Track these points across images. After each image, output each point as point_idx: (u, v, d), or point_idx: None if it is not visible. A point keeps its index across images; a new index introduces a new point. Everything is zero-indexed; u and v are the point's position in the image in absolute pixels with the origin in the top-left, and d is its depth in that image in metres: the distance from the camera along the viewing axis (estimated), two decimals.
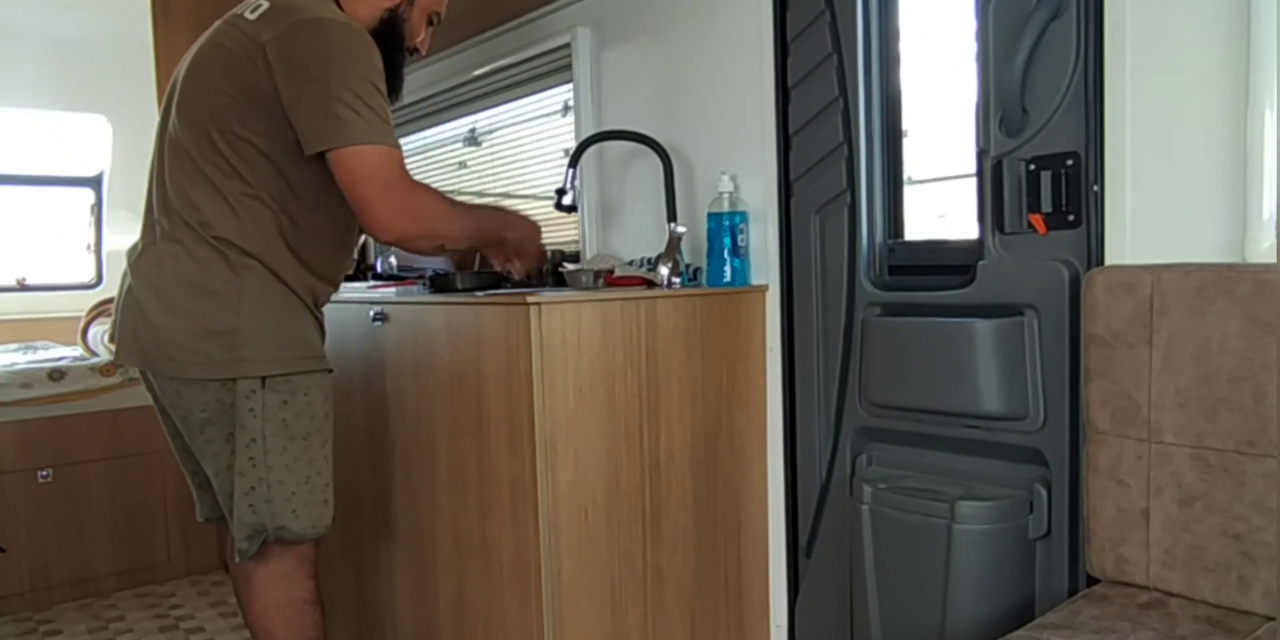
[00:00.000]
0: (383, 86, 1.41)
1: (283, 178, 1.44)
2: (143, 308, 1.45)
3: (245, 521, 1.47)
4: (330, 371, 1.55)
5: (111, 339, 1.57)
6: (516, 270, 1.65)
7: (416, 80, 2.82)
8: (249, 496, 1.46)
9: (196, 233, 1.43)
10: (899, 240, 1.62)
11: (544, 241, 1.71)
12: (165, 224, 1.47)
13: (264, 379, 1.45)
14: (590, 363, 1.50)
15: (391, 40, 1.55)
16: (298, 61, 1.36)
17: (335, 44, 1.37)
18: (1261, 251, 1.12)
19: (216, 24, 1.49)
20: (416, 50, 1.64)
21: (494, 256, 1.66)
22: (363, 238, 2.88)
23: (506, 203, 2.62)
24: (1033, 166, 1.34)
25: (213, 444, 1.47)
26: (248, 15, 1.43)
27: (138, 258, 1.50)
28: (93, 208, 3.58)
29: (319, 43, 1.37)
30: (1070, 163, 1.30)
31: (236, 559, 1.49)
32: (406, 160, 3.08)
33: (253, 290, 1.45)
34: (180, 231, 1.44)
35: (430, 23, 1.65)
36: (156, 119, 1.57)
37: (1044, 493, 1.35)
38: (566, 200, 1.94)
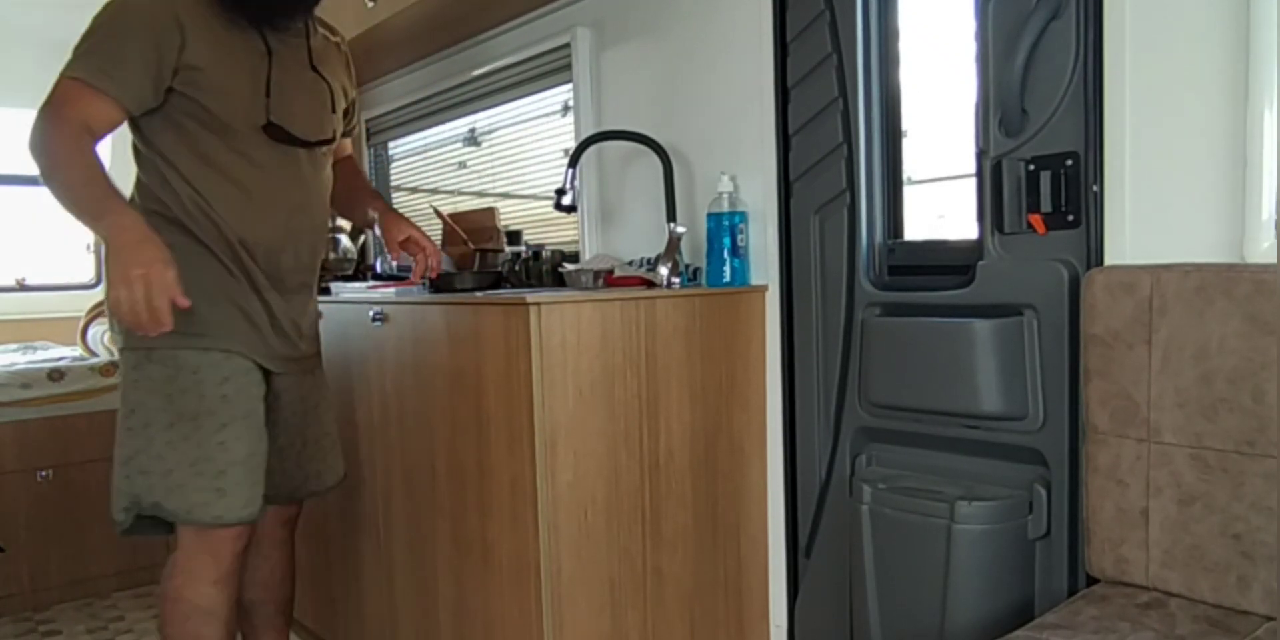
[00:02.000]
0: (127, 30, 1.40)
1: (165, 136, 1.49)
2: None
3: (122, 490, 1.45)
4: (229, 351, 1.47)
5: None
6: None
7: (416, 80, 2.82)
8: (126, 466, 1.45)
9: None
10: (898, 240, 1.62)
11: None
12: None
13: (149, 351, 1.44)
14: (590, 363, 1.50)
15: None
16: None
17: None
18: (1261, 251, 1.12)
19: None
20: None
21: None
22: (362, 238, 2.88)
23: (506, 203, 2.62)
24: (1032, 166, 1.34)
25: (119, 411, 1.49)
26: None
27: None
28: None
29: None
30: (1070, 163, 1.30)
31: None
32: (405, 160, 3.06)
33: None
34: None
35: None
36: None
37: (1043, 493, 1.35)
38: (566, 200, 1.94)
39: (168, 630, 1.53)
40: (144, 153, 1.51)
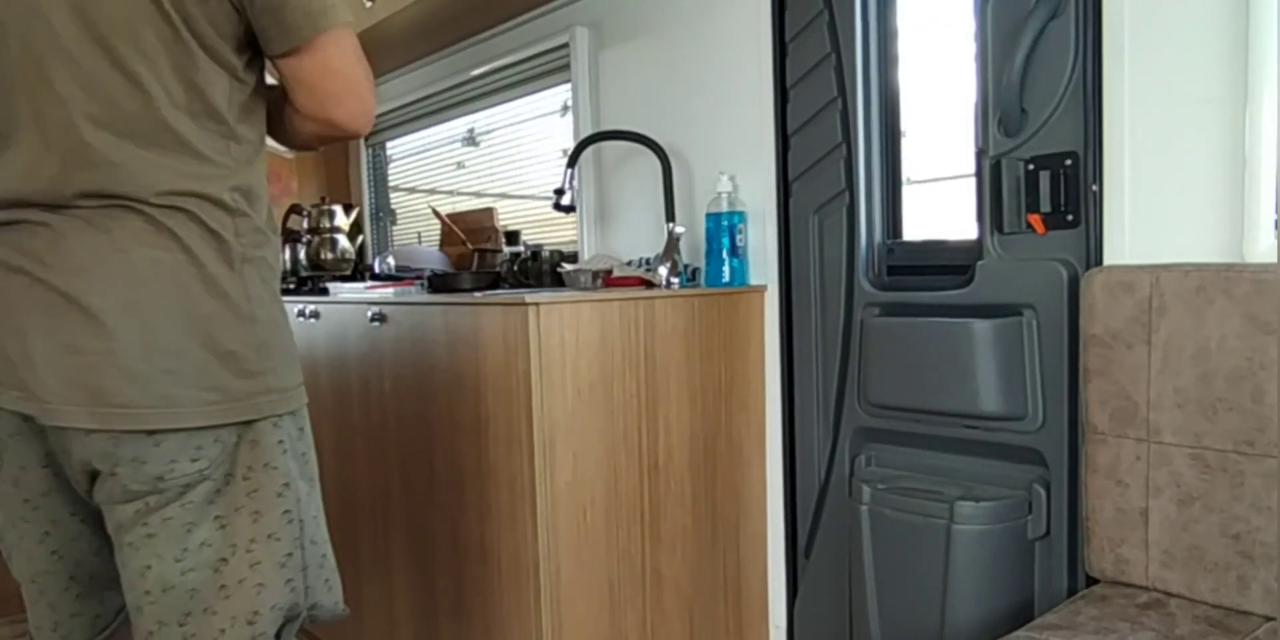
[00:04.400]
0: None
1: (243, 101, 1.06)
2: (90, 325, 0.95)
3: (280, 606, 1.04)
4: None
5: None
6: None
7: (415, 80, 2.82)
8: (285, 568, 1.04)
9: (174, 203, 0.99)
10: (898, 240, 1.62)
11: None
12: (87, 199, 0.97)
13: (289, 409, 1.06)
14: (589, 363, 1.50)
15: None
16: None
17: None
18: (1260, 251, 1.12)
19: None
20: None
21: None
22: (361, 238, 2.88)
23: (504, 203, 2.62)
24: (1031, 166, 1.34)
25: (192, 512, 0.99)
26: None
27: (30, 249, 0.97)
28: None
29: None
30: (1069, 162, 1.30)
31: None
32: (404, 160, 3.07)
33: (256, 288, 1.03)
34: (140, 204, 0.98)
35: None
36: None
37: (1043, 493, 1.35)
38: (565, 200, 1.94)
39: None
40: (238, 127, 1.04)
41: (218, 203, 1.00)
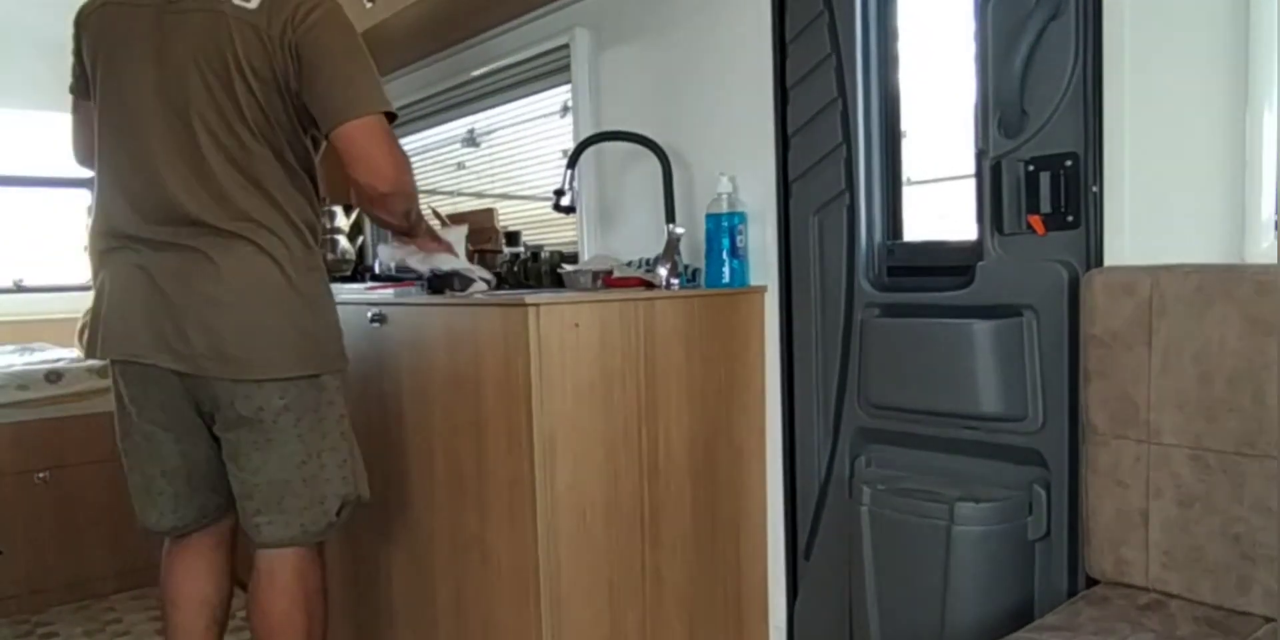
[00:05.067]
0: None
1: (304, 156, 1.54)
2: (208, 310, 1.44)
3: (340, 494, 1.56)
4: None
5: (106, 345, 1.51)
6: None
7: (415, 81, 2.82)
8: (342, 468, 1.56)
9: (262, 233, 1.46)
10: (898, 241, 1.62)
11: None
12: (196, 228, 1.44)
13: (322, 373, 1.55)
14: (589, 364, 1.49)
15: None
16: (327, 47, 1.44)
17: (344, 22, 1.48)
18: (1261, 252, 1.12)
19: (192, 15, 1.43)
20: None
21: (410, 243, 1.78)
22: (360, 238, 2.88)
23: (505, 203, 2.63)
24: (1031, 167, 1.34)
25: (284, 432, 1.50)
26: (239, 3, 1.43)
27: (162, 263, 1.46)
28: (89, 209, 3.57)
29: (335, 25, 1.46)
30: (1069, 163, 1.30)
31: (280, 543, 1.53)
32: None
33: (313, 287, 1.52)
34: (239, 234, 1.45)
35: None
36: None
37: (1043, 494, 1.35)
38: (565, 201, 1.94)
39: (306, 623, 1.57)
40: (295, 168, 1.53)
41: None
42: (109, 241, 1.52)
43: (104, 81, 1.50)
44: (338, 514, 1.56)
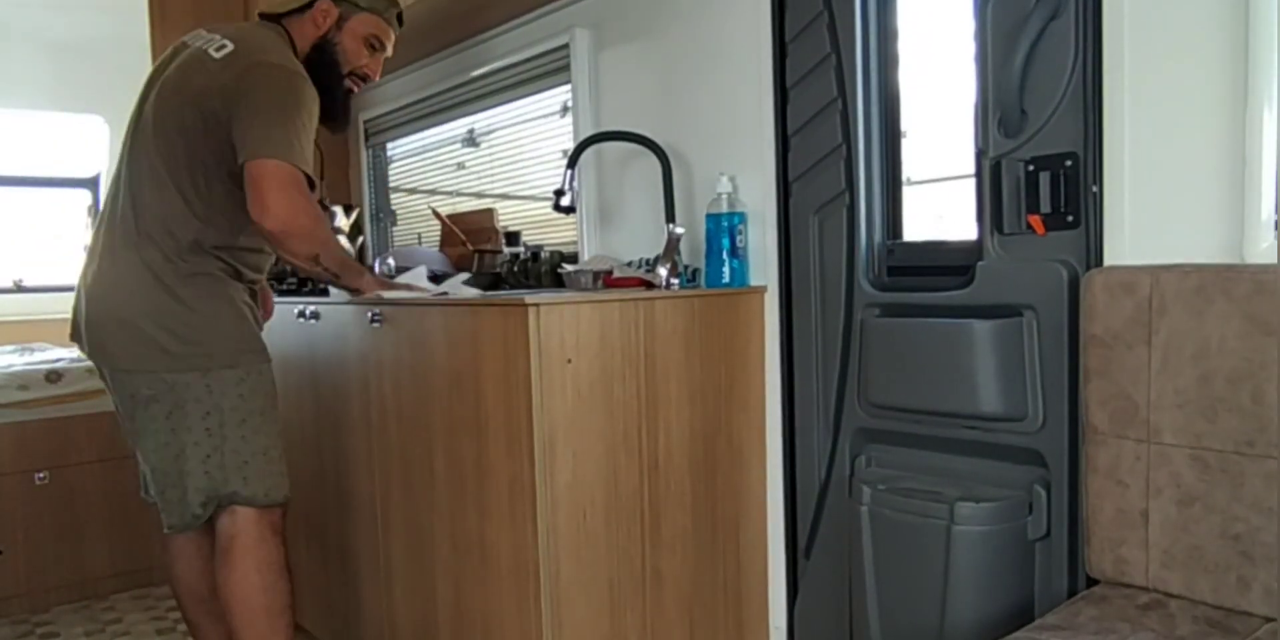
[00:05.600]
0: (312, 127, 1.63)
1: (225, 189, 1.65)
2: (105, 305, 1.63)
3: (200, 487, 1.64)
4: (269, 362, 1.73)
5: (74, 337, 1.73)
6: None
7: (415, 81, 2.82)
8: (205, 463, 1.63)
9: (155, 236, 1.62)
10: (898, 241, 1.62)
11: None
12: (122, 228, 1.65)
13: (214, 364, 1.64)
14: (589, 364, 1.49)
15: (324, 65, 1.75)
16: (253, 98, 1.57)
17: (283, 86, 1.59)
18: (1260, 252, 1.12)
19: (186, 54, 1.67)
20: (365, 77, 1.83)
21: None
22: (360, 239, 2.88)
23: (504, 204, 2.62)
24: (1031, 167, 1.34)
25: (154, 422, 1.63)
26: (213, 53, 1.64)
27: (99, 258, 1.67)
28: (90, 209, 3.57)
29: (271, 84, 1.59)
30: (1069, 163, 1.30)
31: (172, 529, 1.68)
32: (404, 161, 3.07)
33: (204, 292, 1.64)
34: (139, 235, 1.62)
35: (373, 48, 1.82)
36: None
37: (1043, 494, 1.35)
38: (565, 201, 1.94)
39: (260, 597, 1.66)
40: (205, 193, 1.65)
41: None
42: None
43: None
44: (202, 506, 1.64)
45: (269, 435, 1.69)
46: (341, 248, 1.76)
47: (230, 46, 1.63)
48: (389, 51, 1.86)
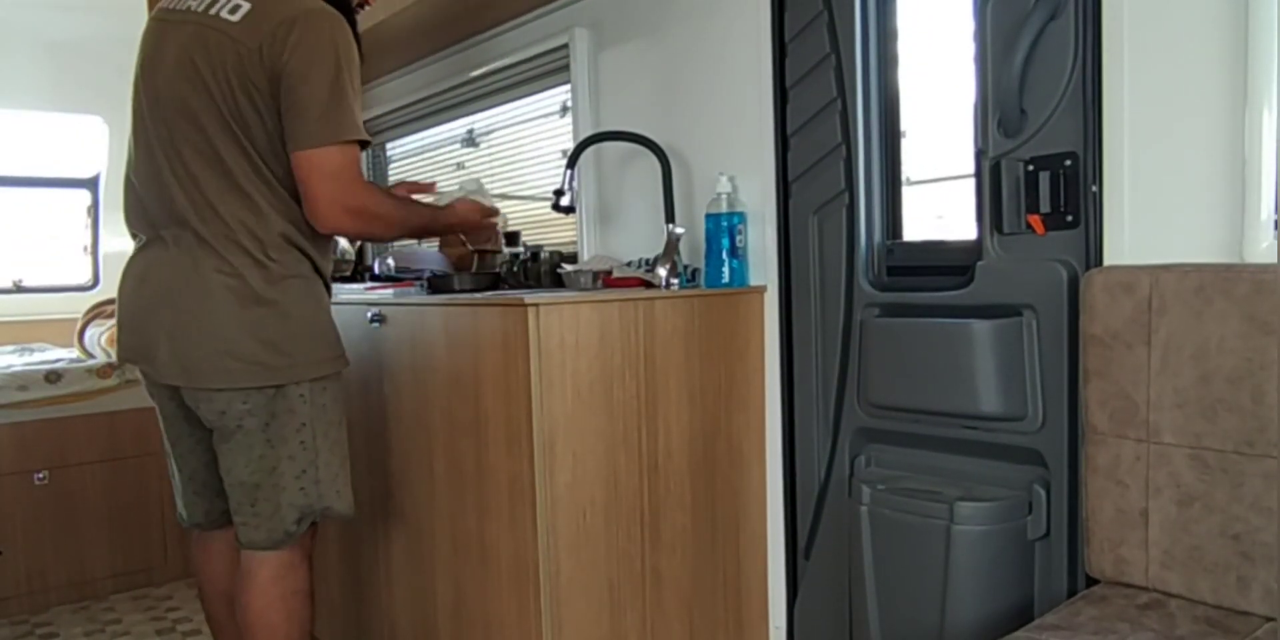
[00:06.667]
0: (357, 74, 1.49)
1: (288, 170, 1.49)
2: (180, 321, 1.48)
3: (295, 504, 1.55)
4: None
5: (120, 351, 1.59)
6: (471, 244, 1.79)
7: (415, 81, 2.82)
8: (300, 479, 1.55)
9: (234, 238, 1.47)
10: (897, 241, 1.62)
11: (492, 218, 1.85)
12: (181, 230, 1.49)
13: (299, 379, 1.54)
14: (588, 364, 1.49)
15: None
16: (293, 68, 1.42)
17: (325, 41, 1.44)
18: (1260, 251, 1.12)
19: (191, 27, 1.48)
20: (365, 3, 1.75)
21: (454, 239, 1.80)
22: (359, 242, 2.88)
23: (504, 204, 2.62)
24: (1031, 167, 1.34)
25: (249, 436, 1.52)
26: (227, 16, 1.46)
27: (155, 266, 1.52)
28: (89, 209, 3.57)
29: (310, 45, 1.43)
30: (1068, 163, 1.30)
31: (253, 546, 1.56)
32: (404, 161, 3.06)
33: (297, 295, 1.52)
34: (213, 239, 1.47)
35: None
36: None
37: (1043, 493, 1.35)
38: (564, 201, 1.94)
39: (285, 626, 1.58)
40: (275, 185, 1.50)
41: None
42: (135, 241, 1.60)
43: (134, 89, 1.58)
44: (296, 523, 1.56)
45: (345, 444, 1.63)
46: (407, 208, 1.63)
47: (245, 5, 1.46)
48: None
